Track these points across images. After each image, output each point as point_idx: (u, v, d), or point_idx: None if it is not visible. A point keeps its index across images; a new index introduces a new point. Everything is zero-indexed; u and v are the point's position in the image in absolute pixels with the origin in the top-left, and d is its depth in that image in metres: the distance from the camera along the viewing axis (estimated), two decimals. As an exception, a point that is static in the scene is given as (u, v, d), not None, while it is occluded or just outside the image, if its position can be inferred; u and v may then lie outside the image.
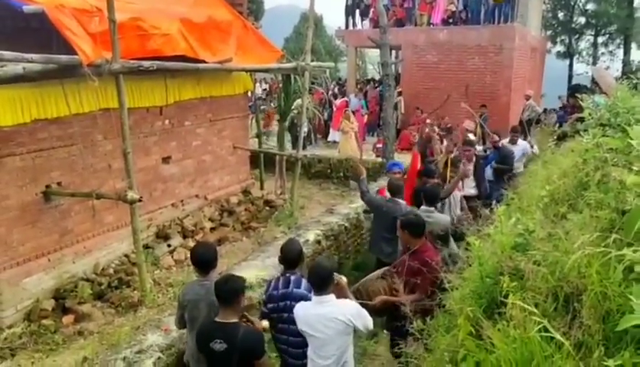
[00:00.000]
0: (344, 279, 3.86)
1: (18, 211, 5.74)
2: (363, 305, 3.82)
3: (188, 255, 7.24)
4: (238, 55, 8.28)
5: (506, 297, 2.26)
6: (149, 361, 4.02)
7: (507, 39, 15.43)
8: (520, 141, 9.60)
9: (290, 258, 4.08)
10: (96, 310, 5.80)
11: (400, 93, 15.96)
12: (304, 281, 3.98)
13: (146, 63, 6.12)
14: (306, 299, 3.82)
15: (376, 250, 6.03)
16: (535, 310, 1.98)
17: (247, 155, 10.01)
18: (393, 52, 16.84)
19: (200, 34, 7.51)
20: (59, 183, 6.16)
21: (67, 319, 5.69)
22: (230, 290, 3.38)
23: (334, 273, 3.74)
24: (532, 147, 9.77)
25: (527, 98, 14.74)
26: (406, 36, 16.79)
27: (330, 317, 3.54)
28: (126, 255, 6.86)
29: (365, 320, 3.62)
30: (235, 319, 3.39)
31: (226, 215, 8.70)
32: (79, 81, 5.71)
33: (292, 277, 4.02)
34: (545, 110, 17.58)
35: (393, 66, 13.84)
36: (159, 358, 4.25)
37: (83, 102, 6.15)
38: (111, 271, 6.53)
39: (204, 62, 7.45)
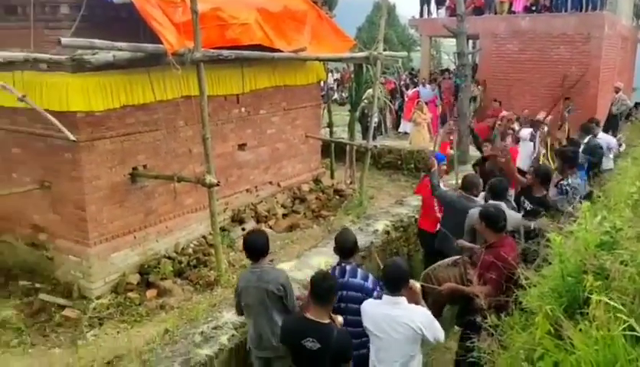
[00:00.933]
0: (417, 285, 3.78)
1: (108, 191, 6.17)
2: (430, 290, 3.76)
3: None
4: (312, 44, 8.37)
5: (589, 296, 2.18)
6: (224, 337, 4.22)
7: (595, 27, 14.47)
8: (603, 135, 8.99)
9: (346, 247, 4.11)
10: (177, 286, 6.16)
11: (478, 84, 15.45)
12: (360, 271, 4.01)
13: (225, 52, 6.34)
14: (362, 288, 3.83)
15: (445, 246, 5.88)
16: (622, 308, 1.90)
17: (319, 144, 10.12)
18: (470, 41, 16.29)
19: (276, 24, 7.66)
20: (144, 166, 6.55)
21: (150, 293, 6.09)
22: (328, 288, 3.37)
23: (409, 277, 3.67)
24: (620, 145, 9.11)
25: (617, 90, 13.80)
26: (485, 24, 16.18)
27: (399, 321, 3.46)
28: (204, 237, 7.20)
29: (436, 332, 3.51)
30: (327, 320, 3.38)
31: (297, 202, 8.88)
32: (164, 69, 6.02)
33: (348, 267, 4.05)
34: (636, 104, 16.35)
35: (470, 56, 13.42)
36: (233, 335, 4.45)
37: (167, 89, 6.47)
38: (190, 250, 6.89)
39: (280, 51, 7.60)
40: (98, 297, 5.99)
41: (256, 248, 3.96)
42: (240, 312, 4.16)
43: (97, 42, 4.96)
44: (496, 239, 4.21)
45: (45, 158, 6.10)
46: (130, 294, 6.08)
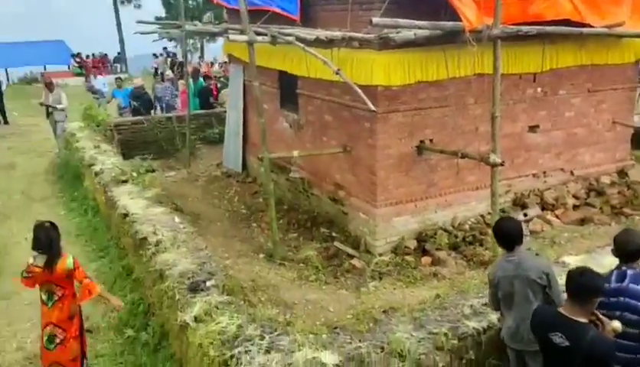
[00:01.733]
0: None
1: (396, 160, 6.69)
2: None
3: (545, 228, 7.07)
4: (633, 19, 7.23)
5: None
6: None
7: None
8: None
9: (628, 250, 3.51)
10: (450, 258, 6.34)
11: None
12: None
13: (525, 28, 6.04)
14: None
15: None
16: None
17: (629, 132, 8.74)
18: None
19: (589, -5, 6.87)
20: (430, 140, 6.85)
21: (425, 260, 6.44)
22: (582, 286, 3.04)
23: None
24: None
25: None
26: None
27: None
28: (482, 216, 7.16)
29: None
30: (584, 319, 3.08)
31: (593, 194, 7.93)
32: (459, 47, 6.11)
33: (629, 272, 3.45)
34: None
35: None
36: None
37: (460, 66, 6.56)
38: (467, 227, 6.97)
39: (590, 26, 6.80)
40: (380, 254, 6.64)
41: (511, 235, 3.75)
42: (495, 305, 3.99)
43: (401, 21, 5.37)
44: None
45: (349, 126, 6.98)
46: (407, 257, 6.55)
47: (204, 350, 3.78)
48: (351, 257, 6.72)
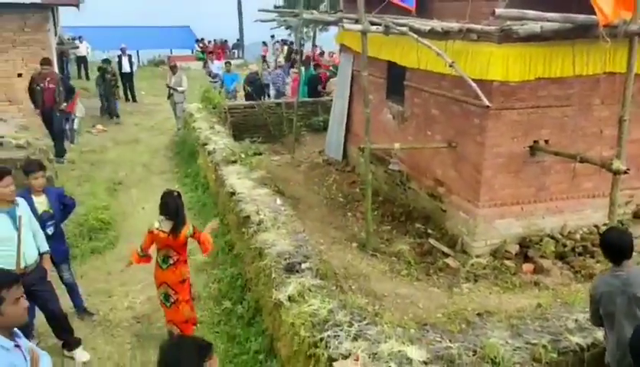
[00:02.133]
0: None
1: (505, 159, 6.35)
2: None
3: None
4: None
5: None
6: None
7: None
8: None
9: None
10: (556, 268, 5.93)
11: None
12: None
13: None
14: None
15: None
16: None
17: None
18: None
19: None
20: (546, 141, 6.41)
21: (527, 267, 6.08)
22: None
23: None
24: None
25: None
26: None
27: None
28: (596, 226, 6.59)
29: None
30: None
31: None
32: (590, 42, 5.64)
33: None
34: None
35: None
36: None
37: (589, 63, 6.04)
38: (577, 236, 6.46)
39: None
40: (477, 256, 6.38)
41: (619, 246, 3.40)
42: (597, 321, 3.65)
43: (529, 13, 5.06)
44: None
45: (457, 121, 6.75)
46: (507, 262, 6.23)
47: (296, 330, 3.90)
48: (446, 255, 6.54)
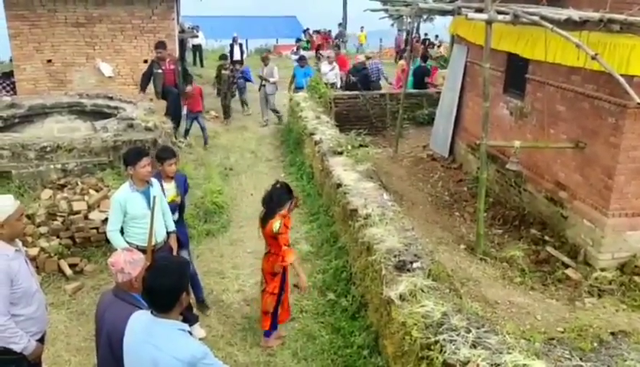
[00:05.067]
0: None
1: (642, 165, 5.73)
2: None
3: None
4: None
5: None
6: None
7: None
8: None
9: None
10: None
11: None
12: None
13: None
14: None
15: None
16: None
17: None
18: None
19: None
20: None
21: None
22: None
23: None
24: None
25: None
26: None
27: None
28: None
29: None
30: None
31: None
32: None
33: None
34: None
35: None
36: None
37: None
38: None
39: None
40: (602, 269, 5.84)
41: None
42: None
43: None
44: None
45: (586, 119, 6.19)
46: (636, 278, 5.65)
47: (407, 330, 3.79)
48: (566, 266, 6.06)
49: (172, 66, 9.57)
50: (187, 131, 10.90)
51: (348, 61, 15.90)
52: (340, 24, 31.76)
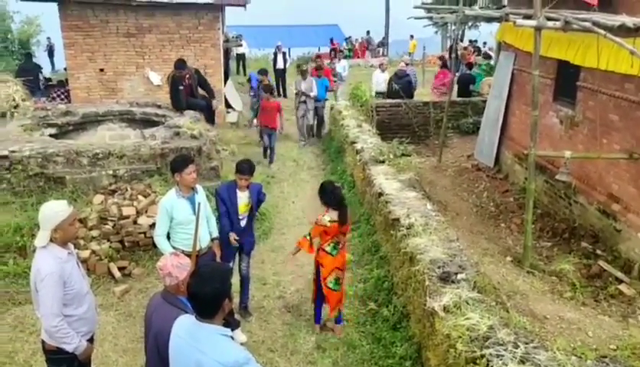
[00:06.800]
0: None
1: None
2: None
3: None
4: None
5: None
6: None
7: None
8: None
9: None
10: None
11: None
12: None
13: None
14: None
15: None
16: None
17: None
18: None
19: None
20: None
21: None
22: None
23: None
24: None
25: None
26: None
27: None
28: None
29: None
30: None
31: None
32: None
33: None
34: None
35: None
36: None
37: None
38: None
39: None
40: (660, 285, 5.55)
41: None
42: None
43: None
44: None
45: (641, 129, 5.94)
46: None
47: (452, 342, 3.71)
48: (619, 281, 5.79)
49: (190, 82, 9.64)
50: (265, 150, 10.59)
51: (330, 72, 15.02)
52: (368, 32, 31.67)
